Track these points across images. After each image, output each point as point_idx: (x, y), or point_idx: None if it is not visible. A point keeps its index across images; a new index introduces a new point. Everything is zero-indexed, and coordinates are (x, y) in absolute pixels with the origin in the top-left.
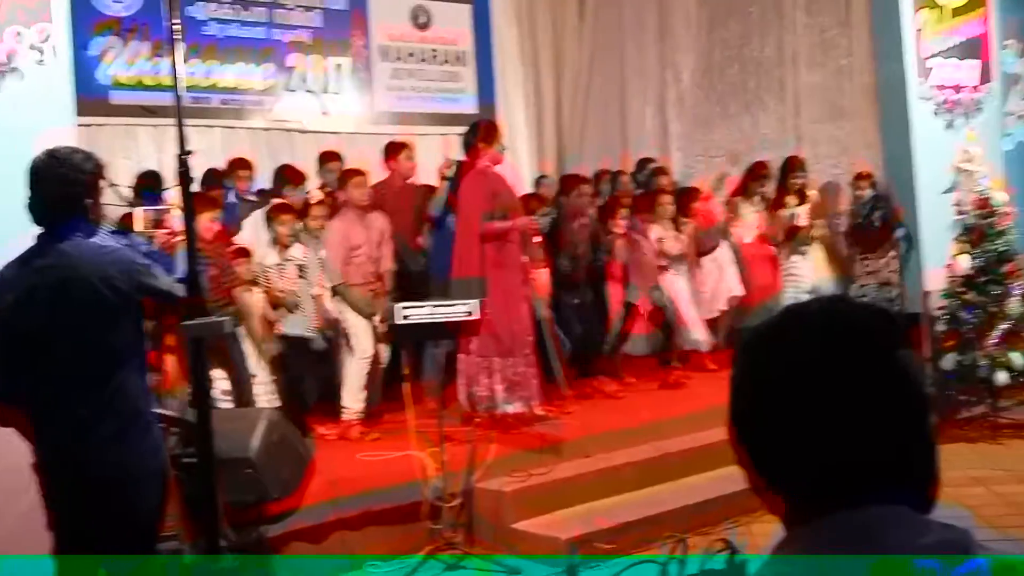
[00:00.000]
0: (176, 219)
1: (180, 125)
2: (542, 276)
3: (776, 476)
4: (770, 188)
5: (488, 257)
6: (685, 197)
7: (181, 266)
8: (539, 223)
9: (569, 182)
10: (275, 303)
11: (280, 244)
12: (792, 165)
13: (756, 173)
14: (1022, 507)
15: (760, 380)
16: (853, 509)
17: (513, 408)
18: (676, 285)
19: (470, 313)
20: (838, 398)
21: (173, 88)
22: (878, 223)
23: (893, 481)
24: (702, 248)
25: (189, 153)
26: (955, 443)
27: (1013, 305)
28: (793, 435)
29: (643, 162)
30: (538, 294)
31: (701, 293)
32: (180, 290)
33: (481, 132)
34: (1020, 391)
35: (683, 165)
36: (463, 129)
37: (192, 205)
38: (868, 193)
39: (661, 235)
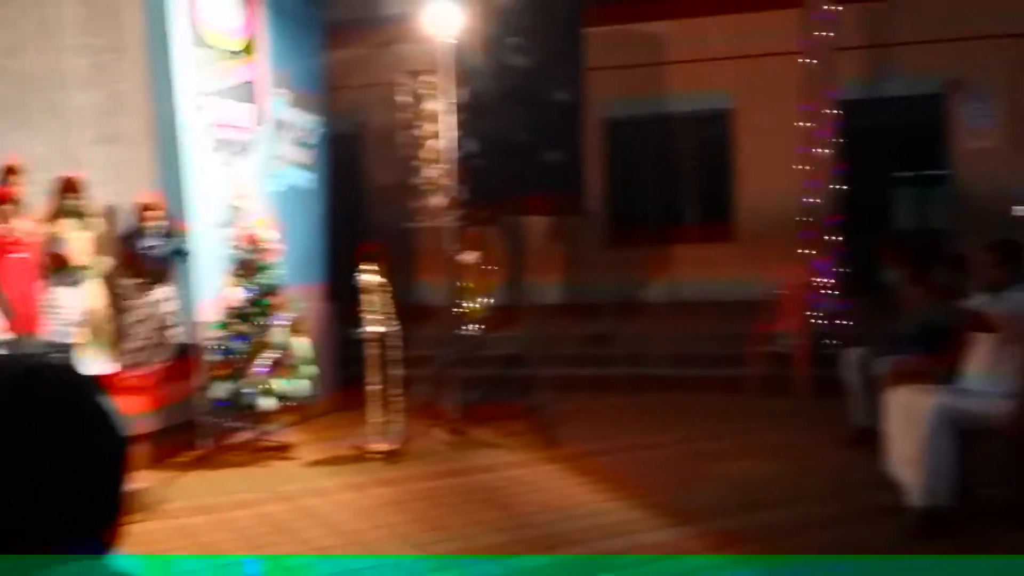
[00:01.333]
0: None
1: None
2: None
3: None
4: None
5: None
6: None
7: None
8: None
9: None
10: None
11: None
12: (66, 186)
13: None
14: (281, 525)
15: None
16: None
17: None
18: None
19: None
20: (32, 460)
21: None
22: (163, 253)
23: (88, 535)
24: None
25: None
26: (225, 469)
27: (278, 335)
28: None
29: None
30: None
31: None
32: None
33: None
34: (283, 415)
35: None
36: None
37: None
38: (157, 224)
39: None
